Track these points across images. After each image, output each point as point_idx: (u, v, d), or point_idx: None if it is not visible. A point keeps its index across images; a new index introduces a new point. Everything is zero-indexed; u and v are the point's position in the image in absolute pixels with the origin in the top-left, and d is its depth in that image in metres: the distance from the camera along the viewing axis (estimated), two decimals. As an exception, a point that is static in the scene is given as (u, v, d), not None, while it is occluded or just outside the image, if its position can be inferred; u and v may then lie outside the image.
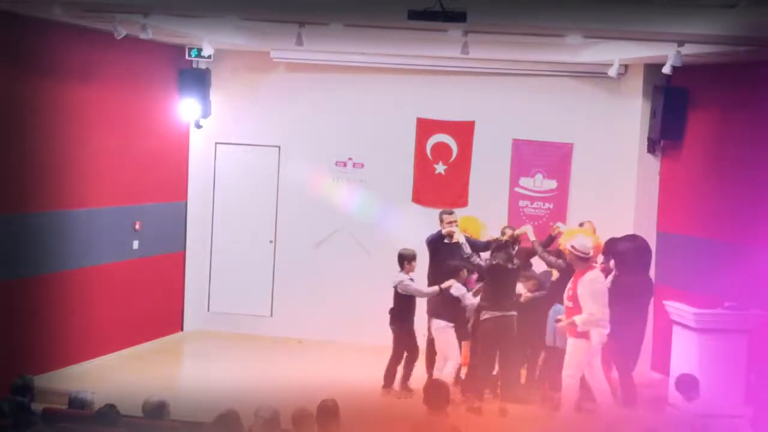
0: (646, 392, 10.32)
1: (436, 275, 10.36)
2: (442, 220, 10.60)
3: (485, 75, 12.26)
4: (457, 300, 10.07)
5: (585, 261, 9.23)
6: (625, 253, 9.97)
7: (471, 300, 10.12)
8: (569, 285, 9.34)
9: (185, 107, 12.48)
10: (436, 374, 10.17)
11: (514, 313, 9.82)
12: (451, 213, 10.65)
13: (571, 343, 9.28)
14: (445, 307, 10.04)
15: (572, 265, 9.38)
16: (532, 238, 10.29)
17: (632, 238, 10.44)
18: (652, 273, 10.55)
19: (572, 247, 9.28)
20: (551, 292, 10.24)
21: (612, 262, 10.14)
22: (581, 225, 10.92)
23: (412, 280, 10.21)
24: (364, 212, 12.44)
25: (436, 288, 10.11)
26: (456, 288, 10.07)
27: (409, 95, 12.50)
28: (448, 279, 10.09)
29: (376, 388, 10.54)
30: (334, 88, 12.60)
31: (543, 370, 10.40)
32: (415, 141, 12.59)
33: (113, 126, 11.25)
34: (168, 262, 12.56)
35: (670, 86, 11.08)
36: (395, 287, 10.27)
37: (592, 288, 9.13)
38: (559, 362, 9.98)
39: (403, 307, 10.29)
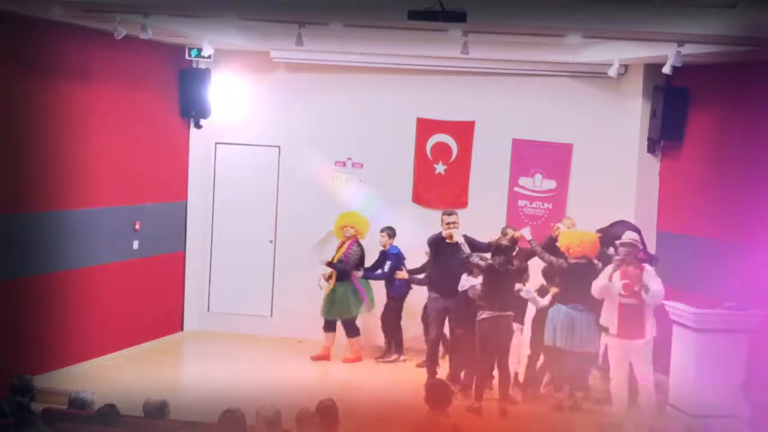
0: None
1: (443, 275, 10.48)
2: (441, 221, 10.64)
3: (485, 75, 12.26)
4: (524, 302, 10.17)
5: (641, 258, 9.40)
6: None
7: (542, 302, 10.18)
8: (624, 281, 9.21)
9: (185, 107, 12.50)
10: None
11: (511, 313, 9.86)
12: (450, 214, 10.68)
13: (609, 343, 9.32)
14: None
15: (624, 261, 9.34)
16: (529, 237, 10.30)
17: (620, 223, 10.50)
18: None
19: (635, 241, 9.38)
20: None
21: (611, 249, 10.18)
22: (561, 221, 10.95)
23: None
24: (364, 212, 12.41)
25: None
26: (525, 291, 10.15)
27: (409, 95, 12.50)
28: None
29: (376, 387, 10.55)
30: (334, 88, 12.60)
31: (542, 370, 10.43)
32: (415, 141, 12.59)
33: (113, 126, 11.25)
34: (168, 262, 12.56)
35: (670, 86, 11.07)
36: (466, 291, 10.27)
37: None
38: (560, 362, 10.01)
39: (470, 311, 10.26)
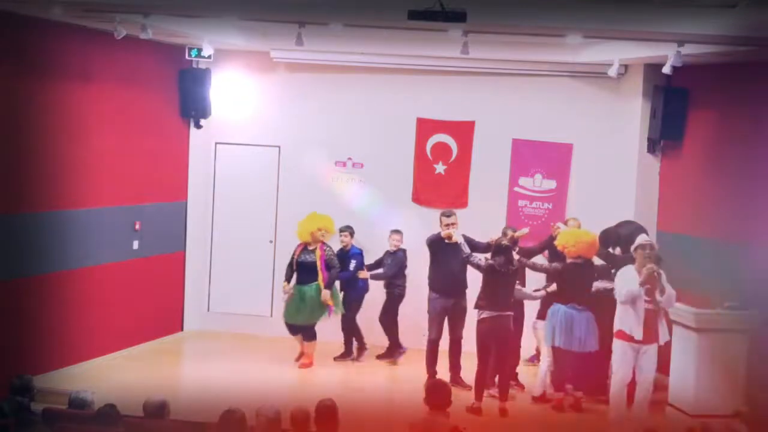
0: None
1: (443, 275, 10.51)
2: (440, 222, 10.61)
3: (485, 75, 12.25)
4: None
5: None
6: (630, 237, 9.95)
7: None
8: (645, 287, 9.10)
9: (185, 107, 12.50)
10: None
11: (511, 313, 9.86)
12: (449, 215, 10.65)
13: (618, 346, 9.28)
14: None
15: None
16: (516, 257, 10.12)
17: (627, 223, 10.57)
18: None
19: (654, 243, 9.41)
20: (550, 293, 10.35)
21: (618, 250, 10.20)
22: (566, 222, 10.95)
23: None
24: (364, 212, 12.43)
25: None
26: None
27: (409, 95, 12.50)
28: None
29: (377, 387, 10.54)
30: (334, 88, 12.60)
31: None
32: (415, 141, 12.59)
33: (113, 126, 11.25)
34: (168, 262, 12.56)
35: (670, 86, 11.08)
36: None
37: None
38: (560, 362, 10.02)
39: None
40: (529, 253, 10.58)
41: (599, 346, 9.88)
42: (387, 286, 11.65)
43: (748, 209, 9.98)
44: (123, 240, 11.58)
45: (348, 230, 11.66)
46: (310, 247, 11.21)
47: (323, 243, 11.27)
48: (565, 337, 9.83)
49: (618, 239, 10.33)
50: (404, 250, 11.58)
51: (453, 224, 10.51)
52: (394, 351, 11.75)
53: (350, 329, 11.76)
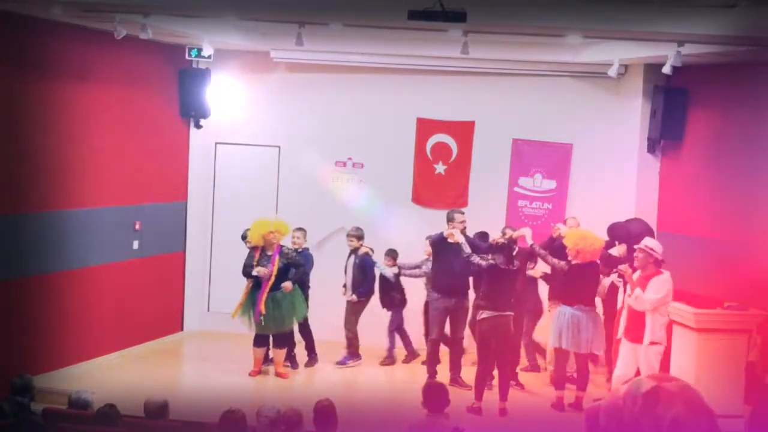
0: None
1: (445, 275, 10.51)
2: (453, 219, 10.53)
3: (485, 75, 12.26)
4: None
5: (658, 264, 9.27)
6: (641, 235, 9.96)
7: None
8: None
9: (185, 107, 12.50)
10: None
11: (511, 313, 9.85)
12: (462, 213, 10.65)
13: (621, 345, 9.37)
14: None
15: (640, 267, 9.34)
16: (530, 241, 10.27)
17: (636, 221, 10.62)
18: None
19: (648, 247, 9.28)
20: (556, 292, 10.34)
21: (624, 247, 10.18)
22: (566, 221, 10.94)
23: None
24: (364, 212, 12.43)
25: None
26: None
27: (409, 95, 12.50)
28: None
29: (376, 388, 10.54)
30: (334, 88, 12.59)
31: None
32: (415, 141, 12.59)
33: (113, 126, 11.25)
34: (168, 262, 12.56)
35: (670, 86, 11.08)
36: None
37: (669, 288, 9.22)
38: (562, 363, 10.02)
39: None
40: (529, 255, 10.55)
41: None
42: (303, 289, 11.14)
43: (748, 209, 9.98)
44: (123, 240, 11.57)
45: (302, 230, 11.20)
46: (269, 252, 10.76)
47: (280, 245, 10.79)
48: (573, 339, 9.81)
49: (627, 235, 10.29)
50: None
51: (463, 222, 10.52)
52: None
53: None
